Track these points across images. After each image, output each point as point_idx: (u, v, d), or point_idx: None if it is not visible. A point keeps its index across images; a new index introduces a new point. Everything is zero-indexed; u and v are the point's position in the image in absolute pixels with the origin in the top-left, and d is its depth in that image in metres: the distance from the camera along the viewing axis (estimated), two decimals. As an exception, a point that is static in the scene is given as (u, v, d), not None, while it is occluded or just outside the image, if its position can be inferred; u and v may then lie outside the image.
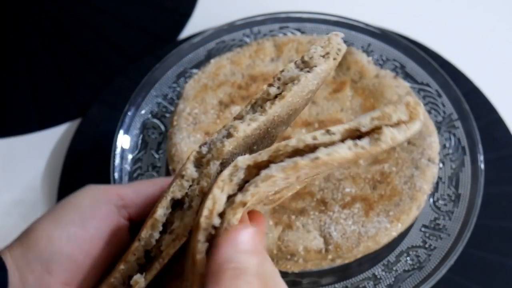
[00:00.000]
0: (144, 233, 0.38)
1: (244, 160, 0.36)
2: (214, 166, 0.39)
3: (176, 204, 0.40)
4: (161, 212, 0.39)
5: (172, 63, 0.76)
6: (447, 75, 0.73)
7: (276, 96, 0.41)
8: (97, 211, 0.41)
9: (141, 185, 0.44)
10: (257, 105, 0.42)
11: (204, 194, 0.39)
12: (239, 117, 0.41)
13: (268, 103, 0.41)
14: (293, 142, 0.36)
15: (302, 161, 0.35)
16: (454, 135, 0.69)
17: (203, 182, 0.39)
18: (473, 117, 0.69)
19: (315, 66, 0.42)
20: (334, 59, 0.43)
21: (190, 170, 0.39)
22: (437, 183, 0.67)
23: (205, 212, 0.35)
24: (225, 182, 0.36)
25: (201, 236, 0.34)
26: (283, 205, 0.62)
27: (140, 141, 0.71)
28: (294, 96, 0.42)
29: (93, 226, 0.40)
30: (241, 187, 0.36)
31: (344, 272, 0.63)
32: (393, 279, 0.61)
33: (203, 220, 0.35)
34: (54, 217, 0.40)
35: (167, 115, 0.73)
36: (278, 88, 0.42)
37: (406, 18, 0.93)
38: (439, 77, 0.73)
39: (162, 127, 0.73)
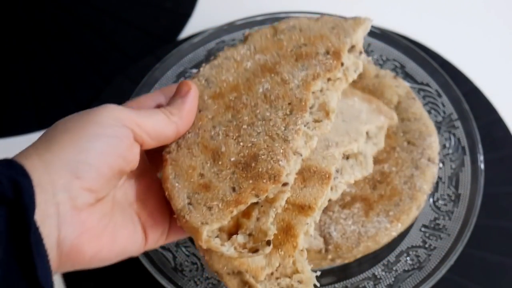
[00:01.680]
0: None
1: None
2: (293, 178, 0.47)
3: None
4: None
5: (172, 63, 0.76)
6: (447, 75, 0.73)
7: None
8: (117, 131, 0.43)
9: (150, 115, 0.46)
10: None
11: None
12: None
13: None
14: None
15: None
16: (454, 135, 0.69)
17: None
18: (473, 117, 0.69)
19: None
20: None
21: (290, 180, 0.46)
22: (437, 183, 0.67)
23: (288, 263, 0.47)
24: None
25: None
26: None
27: (140, 141, 0.71)
28: None
29: (114, 142, 0.43)
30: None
31: (344, 272, 0.63)
32: (393, 279, 0.61)
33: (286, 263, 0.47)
34: (78, 130, 0.42)
35: (167, 115, 0.73)
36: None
37: (406, 18, 0.93)
38: (439, 77, 0.73)
39: (162, 127, 0.73)
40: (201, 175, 0.47)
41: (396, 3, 0.96)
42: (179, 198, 0.46)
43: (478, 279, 0.67)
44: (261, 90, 0.51)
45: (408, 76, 0.75)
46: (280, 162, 0.46)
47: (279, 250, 0.46)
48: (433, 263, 0.61)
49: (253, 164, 0.46)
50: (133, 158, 0.45)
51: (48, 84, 0.87)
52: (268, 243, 0.44)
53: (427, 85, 0.73)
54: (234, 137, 0.48)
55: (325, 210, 0.60)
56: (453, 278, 0.66)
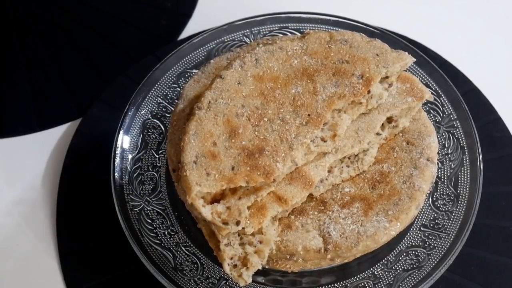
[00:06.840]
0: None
1: None
2: (281, 178, 0.56)
3: None
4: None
5: (172, 63, 0.76)
6: (446, 75, 0.73)
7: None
8: None
9: None
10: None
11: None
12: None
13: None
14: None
15: None
16: (453, 135, 0.70)
17: None
18: (472, 117, 0.70)
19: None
20: None
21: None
22: (436, 183, 0.67)
23: None
24: None
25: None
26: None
27: (140, 141, 0.71)
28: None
29: None
30: None
31: (343, 271, 0.63)
32: (392, 279, 0.61)
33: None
34: None
35: (167, 115, 0.74)
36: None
37: (406, 18, 0.93)
38: (438, 77, 0.73)
39: (162, 127, 0.73)
40: (214, 143, 0.53)
41: (396, 3, 0.96)
42: (189, 153, 0.53)
43: (477, 278, 0.67)
44: (293, 91, 0.57)
45: (407, 76, 0.75)
46: (278, 164, 0.53)
47: (247, 219, 0.53)
48: (432, 262, 0.61)
49: (256, 155, 0.53)
50: None
51: (48, 84, 0.87)
52: (238, 223, 0.51)
53: (426, 85, 0.73)
54: (253, 125, 0.55)
55: (324, 210, 0.60)
56: (452, 277, 0.66)
